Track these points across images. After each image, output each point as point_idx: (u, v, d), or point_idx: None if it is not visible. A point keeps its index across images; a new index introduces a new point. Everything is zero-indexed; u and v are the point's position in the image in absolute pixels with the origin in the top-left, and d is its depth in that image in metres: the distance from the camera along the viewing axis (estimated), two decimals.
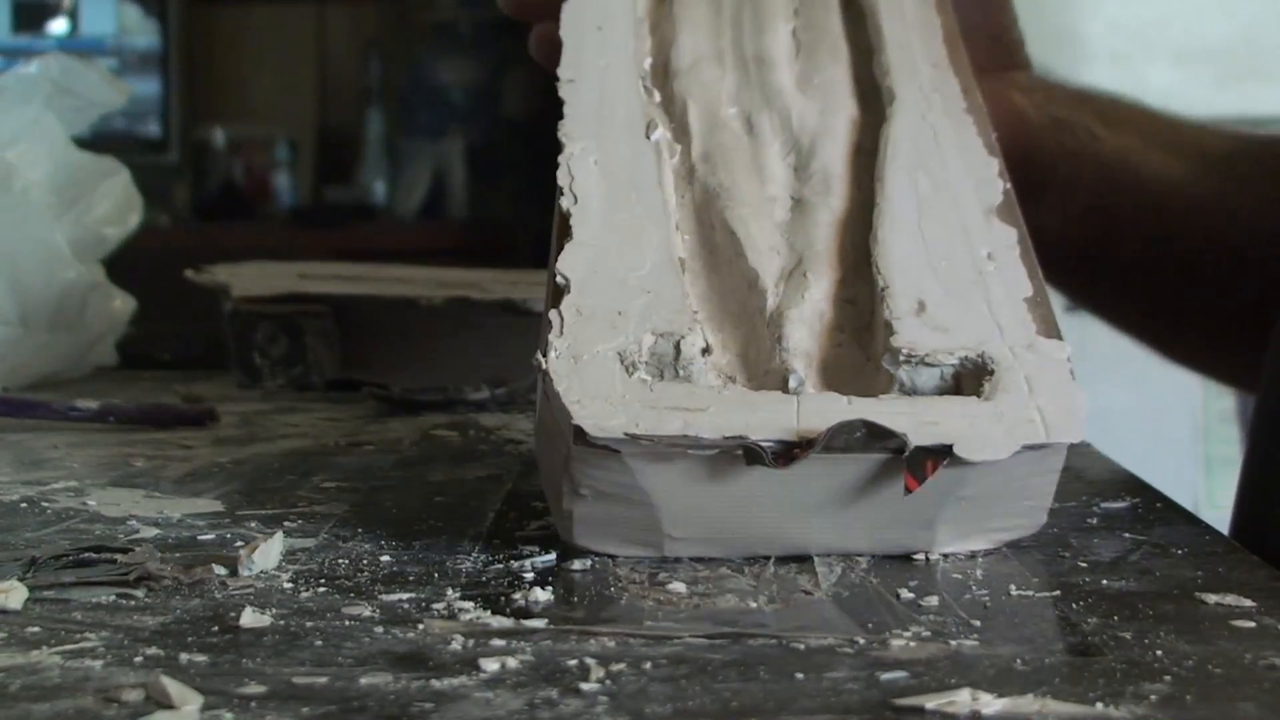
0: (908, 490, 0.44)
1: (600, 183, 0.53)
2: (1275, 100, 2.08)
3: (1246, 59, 2.09)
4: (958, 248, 0.52)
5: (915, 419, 0.45)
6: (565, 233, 0.51)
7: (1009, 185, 0.55)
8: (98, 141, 0.95)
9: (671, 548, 0.47)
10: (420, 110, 2.97)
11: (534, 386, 0.63)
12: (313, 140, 3.10)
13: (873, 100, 0.59)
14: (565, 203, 0.52)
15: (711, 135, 0.57)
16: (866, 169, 0.56)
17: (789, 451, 0.44)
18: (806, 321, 0.51)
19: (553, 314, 0.48)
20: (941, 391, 0.48)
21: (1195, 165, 0.75)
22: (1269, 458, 0.63)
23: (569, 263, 0.50)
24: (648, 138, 0.56)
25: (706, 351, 0.49)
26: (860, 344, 0.50)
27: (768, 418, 0.44)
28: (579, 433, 0.44)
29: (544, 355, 0.47)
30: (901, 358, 0.48)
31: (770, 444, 0.44)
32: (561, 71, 0.58)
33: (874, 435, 0.44)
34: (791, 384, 0.48)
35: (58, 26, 2.97)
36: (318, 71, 3.13)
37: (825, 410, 0.45)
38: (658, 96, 0.58)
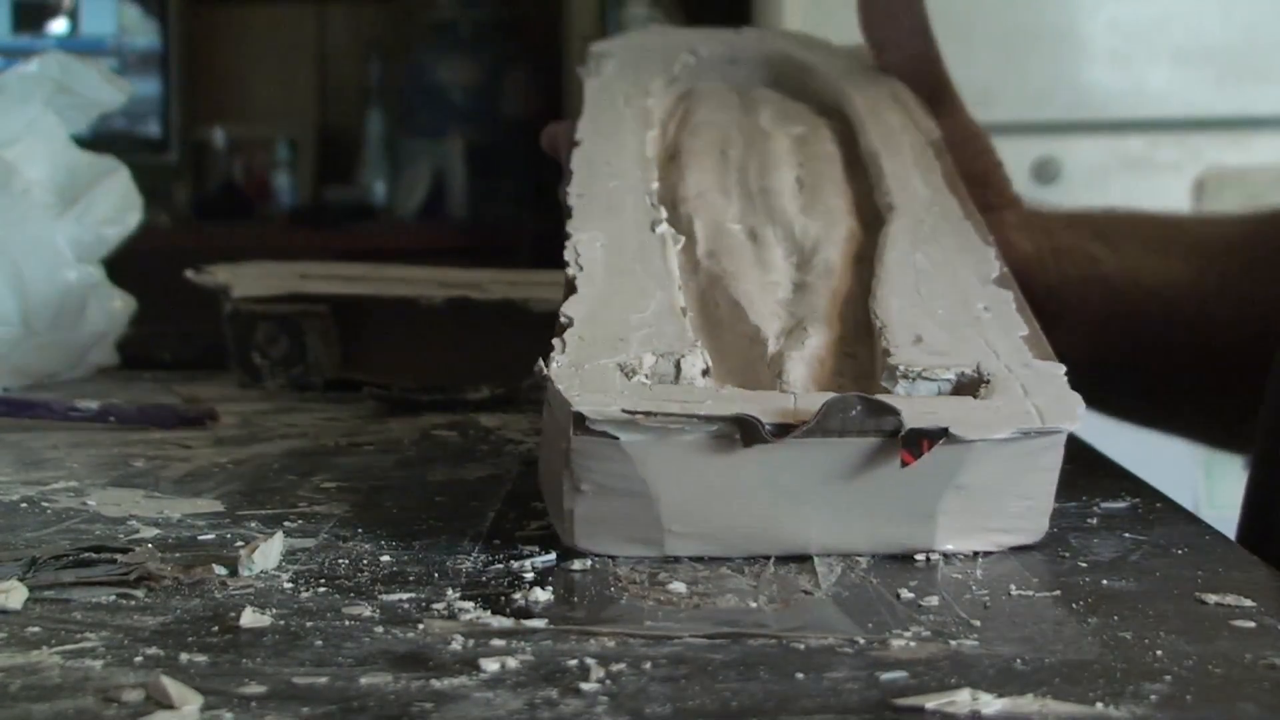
0: (904, 464, 0.45)
1: (606, 257, 0.55)
2: (1275, 100, 2.08)
3: (1247, 59, 2.08)
4: (955, 303, 0.54)
5: (912, 408, 0.45)
6: (571, 291, 0.53)
7: (1007, 269, 0.57)
8: (98, 141, 0.94)
9: (672, 545, 0.47)
10: (420, 110, 2.97)
11: (535, 385, 0.65)
12: (313, 140, 3.09)
13: (873, 224, 0.61)
14: (571, 270, 0.54)
15: (716, 239, 0.59)
16: (867, 269, 0.58)
17: (785, 430, 0.44)
18: (807, 362, 0.52)
19: (556, 341, 0.49)
20: None
21: (1198, 261, 0.76)
22: (1273, 465, 0.63)
23: (572, 307, 0.52)
24: (653, 230, 0.58)
25: (706, 373, 0.49)
26: (860, 388, 0.51)
27: (765, 405, 0.45)
28: (578, 420, 0.45)
29: (546, 365, 0.48)
30: (899, 373, 0.49)
31: (768, 424, 0.45)
32: (571, 189, 0.61)
33: (870, 412, 0.44)
34: None
35: (58, 26, 2.97)
36: (318, 71, 3.13)
37: (821, 401, 0.45)
38: (664, 213, 0.60)
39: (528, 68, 2.88)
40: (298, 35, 3.12)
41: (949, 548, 0.48)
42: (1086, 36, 2.09)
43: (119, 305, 0.91)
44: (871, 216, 0.62)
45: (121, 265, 0.92)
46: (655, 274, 0.54)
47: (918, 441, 0.45)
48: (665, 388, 0.47)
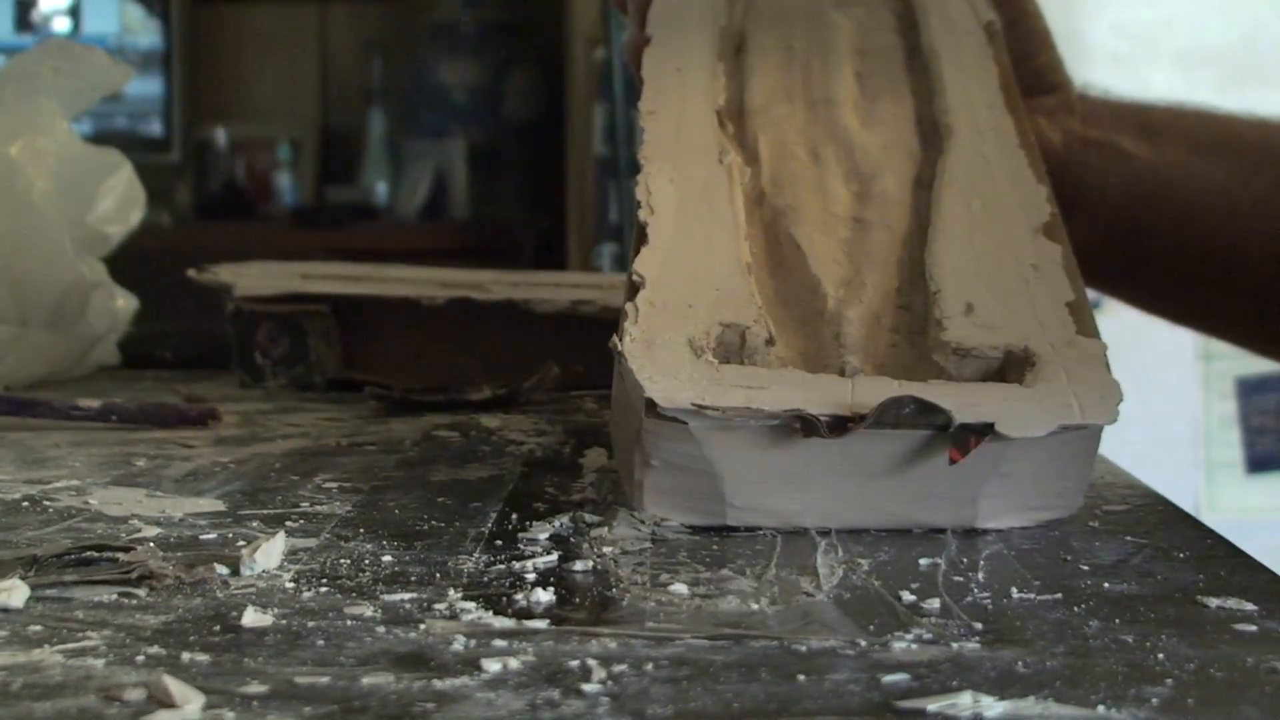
0: (951, 461, 0.48)
1: (675, 197, 0.58)
2: (1277, 104, 2.08)
3: (1248, 62, 2.09)
4: (1005, 259, 0.57)
5: (960, 400, 0.48)
6: (642, 239, 0.56)
7: (1056, 210, 0.59)
8: (99, 141, 0.94)
9: (733, 517, 0.50)
10: (422, 110, 2.97)
11: (536, 386, 0.71)
12: (315, 140, 3.10)
13: (931, 138, 0.64)
14: (643, 214, 0.57)
15: (780, 163, 0.62)
16: (923, 197, 0.60)
17: (842, 424, 0.47)
18: (863, 321, 0.55)
19: (629, 306, 0.52)
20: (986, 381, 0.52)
21: (1246, 167, 0.75)
22: None
23: (644, 263, 0.55)
24: (720, 162, 0.60)
25: (770, 343, 0.53)
26: (913, 344, 0.54)
27: (824, 395, 0.48)
28: (650, 405, 0.48)
29: (620, 340, 0.50)
30: (951, 349, 0.52)
31: (825, 417, 0.47)
32: (642, 105, 0.64)
33: (922, 411, 0.47)
34: (848, 373, 0.52)
35: (60, 25, 2.97)
36: (320, 71, 3.13)
37: (877, 391, 0.48)
38: (731, 129, 0.63)
39: (530, 68, 2.88)
40: (300, 35, 3.12)
41: (990, 525, 0.51)
42: (1088, 39, 2.09)
43: (121, 304, 0.91)
44: (929, 125, 0.64)
45: (123, 264, 0.92)
46: (722, 219, 0.58)
47: (965, 438, 0.47)
48: (731, 368, 0.50)
